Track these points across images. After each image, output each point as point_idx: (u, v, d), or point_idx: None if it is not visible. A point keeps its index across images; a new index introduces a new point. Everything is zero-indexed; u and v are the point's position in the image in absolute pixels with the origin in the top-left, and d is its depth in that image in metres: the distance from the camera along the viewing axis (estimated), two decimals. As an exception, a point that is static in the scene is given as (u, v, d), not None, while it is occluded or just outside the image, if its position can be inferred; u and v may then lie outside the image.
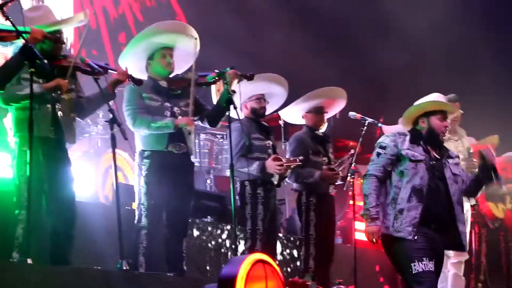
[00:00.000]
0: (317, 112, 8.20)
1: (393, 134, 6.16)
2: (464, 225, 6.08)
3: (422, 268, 5.81)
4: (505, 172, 10.26)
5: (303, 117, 8.28)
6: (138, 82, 6.52)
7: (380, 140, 6.16)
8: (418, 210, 5.86)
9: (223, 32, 10.52)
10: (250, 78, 7.12)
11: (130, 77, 6.47)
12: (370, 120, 8.18)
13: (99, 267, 5.85)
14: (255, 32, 10.99)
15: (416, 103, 6.19)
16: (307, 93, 8.12)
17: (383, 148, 6.06)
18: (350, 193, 8.22)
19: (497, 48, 12.02)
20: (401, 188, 5.94)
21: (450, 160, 6.12)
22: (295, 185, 8.25)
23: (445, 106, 6.15)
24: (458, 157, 6.30)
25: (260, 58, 9.93)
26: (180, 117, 6.79)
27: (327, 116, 8.32)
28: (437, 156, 6.08)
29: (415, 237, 5.82)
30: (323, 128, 8.42)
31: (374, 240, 5.91)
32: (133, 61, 6.85)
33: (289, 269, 8.65)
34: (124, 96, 6.84)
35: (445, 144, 6.27)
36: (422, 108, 6.12)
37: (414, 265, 5.83)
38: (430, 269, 5.83)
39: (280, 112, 8.37)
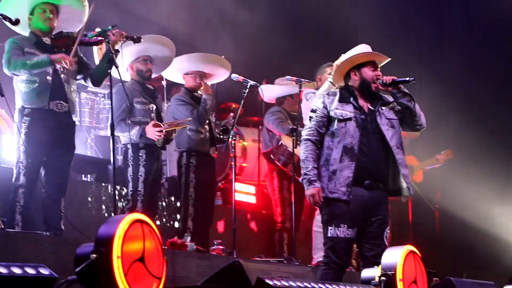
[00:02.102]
0: (200, 75, 8.23)
1: (322, 95, 6.13)
2: (406, 168, 6.08)
3: (337, 234, 5.88)
4: None
5: (183, 78, 8.30)
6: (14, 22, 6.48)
7: (311, 103, 6.13)
8: (351, 169, 5.87)
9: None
10: (137, 40, 7.04)
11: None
12: (252, 82, 8.24)
13: (-29, 226, 5.74)
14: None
15: (344, 56, 6.14)
16: (190, 54, 8.13)
17: (314, 111, 6.03)
18: (232, 154, 8.27)
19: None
20: (333, 148, 5.93)
21: (384, 107, 6.08)
22: (176, 147, 8.28)
23: (375, 56, 6.14)
24: (393, 102, 6.18)
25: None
26: (63, 75, 6.68)
27: (208, 81, 8.36)
28: (371, 108, 6.05)
29: (350, 197, 5.86)
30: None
31: (316, 201, 5.90)
32: (14, 12, 6.69)
33: (169, 229, 8.68)
34: (5, 48, 6.68)
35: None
36: (353, 61, 6.08)
37: (331, 229, 5.91)
38: (347, 236, 5.89)
39: (162, 73, 8.34)
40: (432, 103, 12.11)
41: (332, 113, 6.01)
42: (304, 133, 6.05)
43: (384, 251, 5.89)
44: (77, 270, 4.49)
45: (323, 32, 10.71)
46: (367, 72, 6.07)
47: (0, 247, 5.57)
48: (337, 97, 6.07)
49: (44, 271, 4.27)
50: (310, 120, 6.05)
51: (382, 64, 6.16)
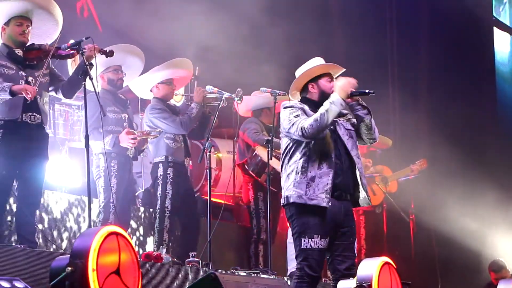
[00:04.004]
0: (167, 83, 8.25)
1: (294, 103, 6.09)
2: (365, 177, 6.12)
3: (311, 245, 5.86)
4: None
5: (151, 91, 8.30)
6: None
7: (288, 111, 6.03)
8: (329, 176, 5.87)
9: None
10: (109, 54, 7.03)
11: None
12: (227, 94, 8.25)
13: None
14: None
15: (302, 70, 6.16)
16: (158, 66, 8.16)
17: (291, 107, 6.00)
18: (207, 166, 8.25)
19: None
20: (310, 155, 5.92)
21: (341, 118, 6.09)
22: (152, 158, 8.26)
23: (331, 67, 6.17)
24: (349, 113, 6.19)
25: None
26: (35, 87, 6.64)
27: (177, 89, 8.39)
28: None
29: (329, 204, 5.84)
30: (179, 102, 8.47)
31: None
32: None
33: (145, 242, 8.65)
34: None
35: None
36: (311, 74, 6.11)
37: (304, 240, 5.88)
38: (320, 247, 5.87)
39: (129, 84, 8.35)
40: (405, 113, 12.20)
41: None
42: (300, 123, 5.91)
43: (355, 263, 5.93)
44: (52, 283, 4.47)
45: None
46: (325, 84, 6.11)
47: (-26, 260, 5.52)
48: (306, 106, 6.08)
49: (19, 285, 4.26)
50: (295, 115, 5.96)
51: (337, 75, 6.19)
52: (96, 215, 7.63)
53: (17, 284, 4.26)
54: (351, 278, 5.79)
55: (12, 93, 6.47)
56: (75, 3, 10.17)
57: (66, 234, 7.85)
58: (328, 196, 5.87)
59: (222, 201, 8.98)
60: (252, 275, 7.66)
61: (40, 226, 7.20)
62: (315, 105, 6.06)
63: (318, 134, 5.91)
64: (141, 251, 8.15)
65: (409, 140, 11.85)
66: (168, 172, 8.10)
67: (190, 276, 7.08)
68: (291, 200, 5.95)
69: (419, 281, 9.47)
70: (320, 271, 5.99)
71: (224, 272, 7.31)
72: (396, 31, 12.86)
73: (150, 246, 8.55)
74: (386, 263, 5.76)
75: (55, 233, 7.75)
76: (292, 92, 6.24)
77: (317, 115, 5.90)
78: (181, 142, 8.23)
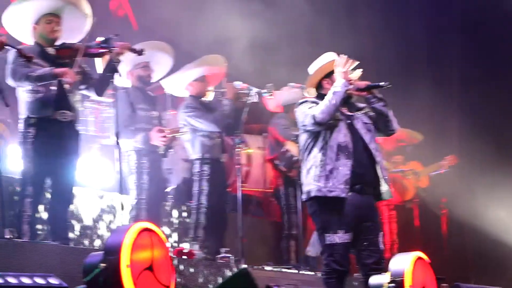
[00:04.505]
0: (200, 81, 8.26)
1: (309, 99, 6.09)
2: (386, 170, 6.11)
3: (336, 240, 5.84)
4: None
5: (186, 88, 8.31)
6: (28, 58, 6.40)
7: (304, 106, 6.04)
8: (347, 166, 5.87)
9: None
10: (139, 53, 7.04)
11: (21, 53, 6.33)
12: (256, 89, 8.25)
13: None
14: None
15: (314, 67, 6.15)
16: (190, 63, 8.17)
17: (306, 101, 6.02)
18: (237, 162, 8.25)
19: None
20: (327, 148, 5.93)
21: (358, 113, 6.10)
22: (189, 155, 8.30)
23: None
24: (366, 107, 6.17)
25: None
26: (67, 85, 6.69)
27: (210, 86, 8.39)
28: (348, 113, 6.06)
29: (349, 194, 5.83)
30: (209, 98, 8.47)
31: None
32: (18, 22, 6.69)
33: (177, 238, 8.68)
34: (8, 59, 6.68)
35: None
36: (324, 71, 6.10)
37: (328, 236, 5.86)
38: (344, 241, 5.84)
39: (162, 82, 8.38)
40: (435, 108, 12.14)
41: None
42: (310, 113, 5.94)
43: (383, 257, 5.90)
44: (86, 279, 4.49)
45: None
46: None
47: (9, 257, 5.56)
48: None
49: (54, 281, 4.28)
50: (307, 108, 5.98)
51: (351, 68, 6.16)
52: (128, 212, 7.67)
53: (51, 280, 4.29)
54: (381, 273, 5.78)
55: (54, 76, 6.53)
56: (109, 2, 10.23)
57: (98, 232, 7.89)
58: (348, 186, 5.86)
59: (253, 196, 9.00)
60: (284, 270, 7.66)
61: (72, 223, 7.24)
62: None
63: (329, 118, 5.90)
64: (173, 248, 8.18)
65: (440, 135, 11.78)
66: (204, 168, 8.12)
67: (222, 272, 7.09)
68: (312, 194, 5.95)
69: (453, 275, 9.39)
70: (347, 265, 5.97)
71: (256, 267, 7.31)
72: (426, 24, 12.77)
73: (182, 242, 8.58)
74: (419, 257, 5.74)
75: (87, 230, 7.80)
76: (308, 89, 6.24)
77: (325, 100, 5.92)
78: (217, 139, 8.24)
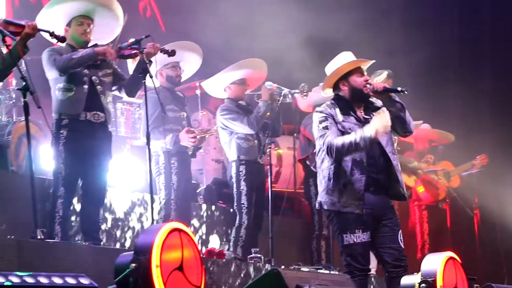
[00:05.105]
0: (239, 84, 8.26)
1: (324, 108, 6.01)
2: (401, 173, 6.05)
3: (354, 240, 5.84)
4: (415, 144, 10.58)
5: (225, 90, 8.33)
6: (61, 39, 6.45)
7: (318, 117, 6.00)
8: (361, 182, 5.84)
9: None
10: (171, 54, 7.09)
11: (53, 34, 6.38)
12: (286, 90, 8.24)
13: (12, 237, 5.75)
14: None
15: (331, 68, 6.07)
16: (231, 65, 8.17)
17: (326, 119, 5.91)
18: (267, 162, 8.26)
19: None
20: (341, 162, 5.87)
21: (375, 113, 6.03)
22: (217, 155, 8.33)
23: (360, 62, 6.06)
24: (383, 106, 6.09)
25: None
26: (99, 86, 6.73)
27: (249, 89, 8.39)
28: (365, 116, 6.00)
29: (364, 210, 5.81)
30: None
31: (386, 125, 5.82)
32: (51, 25, 6.75)
33: (207, 239, 8.70)
34: (44, 56, 6.73)
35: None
36: (340, 72, 6.02)
37: (346, 236, 5.85)
38: (363, 240, 5.84)
39: (202, 84, 8.41)
40: (467, 108, 12.06)
41: (339, 126, 5.94)
42: (327, 139, 5.86)
43: (403, 254, 5.88)
44: (116, 279, 4.50)
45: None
46: (355, 80, 6.01)
47: (40, 257, 5.61)
48: (338, 109, 5.99)
49: (85, 281, 4.30)
50: (327, 128, 5.90)
51: (367, 66, 6.11)
52: (157, 212, 7.69)
53: (82, 280, 4.30)
54: (403, 270, 5.77)
55: (95, 55, 6.63)
56: (138, 3, 10.27)
57: (129, 232, 7.94)
58: (362, 202, 5.83)
59: (283, 196, 9.00)
60: (315, 270, 7.64)
61: (103, 223, 7.27)
62: (347, 104, 6.00)
63: (342, 157, 5.86)
64: (203, 248, 8.20)
65: (472, 135, 11.68)
66: (241, 169, 8.12)
67: (252, 272, 7.09)
68: (325, 207, 5.96)
69: (485, 276, 9.32)
70: (367, 263, 5.96)
71: (286, 268, 7.30)
72: (458, 25, 12.70)
73: (212, 242, 8.60)
74: (451, 258, 5.69)
75: (118, 231, 7.84)
76: (325, 90, 6.19)
77: (347, 140, 5.80)
78: (254, 141, 8.24)
